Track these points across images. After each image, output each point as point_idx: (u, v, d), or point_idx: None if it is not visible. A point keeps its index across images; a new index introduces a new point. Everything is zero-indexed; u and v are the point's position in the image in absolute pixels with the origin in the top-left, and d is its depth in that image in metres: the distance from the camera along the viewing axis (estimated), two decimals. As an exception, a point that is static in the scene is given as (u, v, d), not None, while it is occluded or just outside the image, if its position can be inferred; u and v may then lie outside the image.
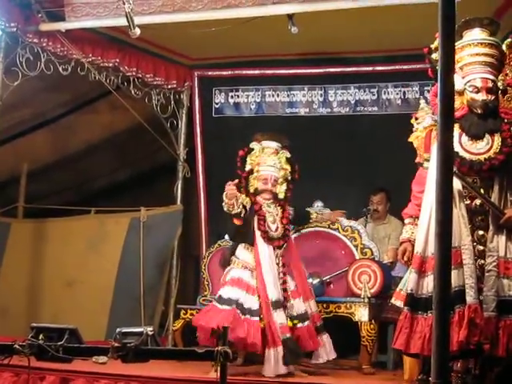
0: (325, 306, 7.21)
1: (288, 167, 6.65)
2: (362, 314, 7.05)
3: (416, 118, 5.82)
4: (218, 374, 3.82)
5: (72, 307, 8.48)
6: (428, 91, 8.40)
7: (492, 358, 5.29)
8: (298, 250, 6.84)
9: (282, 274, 6.49)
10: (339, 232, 7.67)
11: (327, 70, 8.95)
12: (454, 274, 5.25)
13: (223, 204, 6.35)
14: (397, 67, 8.69)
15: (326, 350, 6.51)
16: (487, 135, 5.47)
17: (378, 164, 8.39)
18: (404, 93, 8.73)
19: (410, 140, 5.87)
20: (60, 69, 7.71)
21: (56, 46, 7.55)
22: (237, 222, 6.50)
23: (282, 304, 6.34)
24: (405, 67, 8.62)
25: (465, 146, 5.51)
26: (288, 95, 9.11)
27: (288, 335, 6.21)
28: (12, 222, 9.27)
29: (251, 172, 6.61)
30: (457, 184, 5.32)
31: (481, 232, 5.45)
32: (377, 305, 7.05)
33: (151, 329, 4.13)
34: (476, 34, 5.49)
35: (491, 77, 5.43)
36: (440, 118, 3.93)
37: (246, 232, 6.53)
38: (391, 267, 7.60)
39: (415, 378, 5.58)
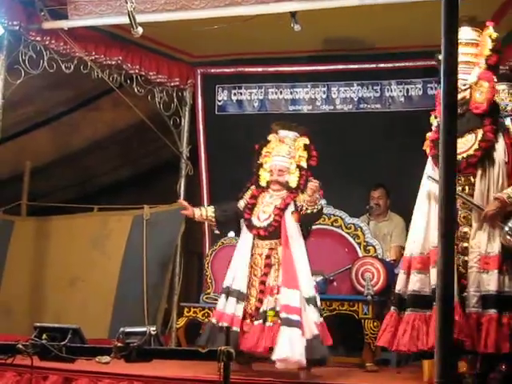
0: (328, 303, 7.22)
1: (304, 154, 6.56)
2: (365, 311, 7.06)
3: (435, 117, 5.79)
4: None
5: (75, 305, 8.49)
6: (431, 88, 8.43)
7: (494, 357, 5.32)
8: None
9: (261, 268, 6.40)
10: (342, 229, 7.68)
11: (330, 67, 8.93)
12: (432, 272, 5.45)
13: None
14: (400, 64, 8.67)
15: (280, 347, 6.05)
16: (468, 134, 5.53)
17: (381, 161, 8.38)
18: (407, 90, 8.71)
19: (424, 148, 5.87)
20: (63, 67, 7.70)
21: (59, 44, 7.54)
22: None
23: (238, 295, 6.24)
24: (408, 64, 8.61)
25: None
26: (291, 92, 9.10)
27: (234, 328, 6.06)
28: (15, 220, 9.27)
29: (261, 165, 6.62)
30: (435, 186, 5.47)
31: (465, 229, 5.53)
32: (380, 302, 7.05)
33: (154, 328, 4.14)
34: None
35: (464, 76, 5.48)
36: (443, 117, 3.93)
37: None
38: (394, 265, 7.60)
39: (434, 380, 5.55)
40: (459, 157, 5.56)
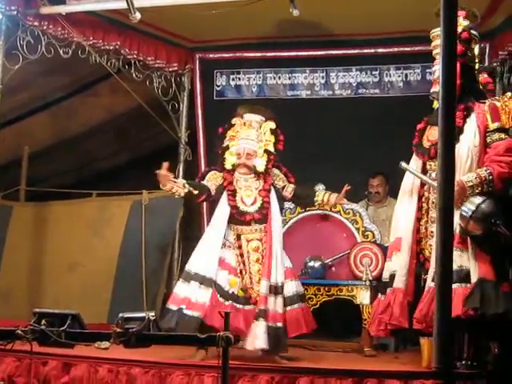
0: (326, 288, 7.25)
1: (271, 138, 6.59)
2: (363, 296, 7.10)
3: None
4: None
5: (74, 290, 8.50)
6: (430, 73, 8.40)
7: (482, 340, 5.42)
8: (295, 232, 6.77)
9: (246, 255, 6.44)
10: (341, 215, 7.69)
11: (329, 52, 8.90)
12: (393, 259, 5.90)
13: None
14: (399, 49, 8.65)
15: (253, 338, 6.18)
16: None
17: (380, 146, 8.37)
18: (406, 75, 8.70)
19: None
20: (61, 52, 7.67)
21: (57, 29, 7.50)
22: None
23: (202, 279, 6.22)
24: (407, 49, 8.57)
25: (428, 135, 5.91)
26: (289, 77, 9.08)
27: (193, 313, 6.13)
28: (14, 206, 9.28)
29: (227, 148, 6.61)
30: (412, 177, 5.87)
31: (433, 214, 5.62)
32: (377, 287, 7.07)
33: (153, 314, 4.15)
34: None
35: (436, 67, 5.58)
36: (441, 103, 3.94)
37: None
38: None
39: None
40: (429, 144, 5.72)
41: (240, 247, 6.44)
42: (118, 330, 4.03)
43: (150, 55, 8.52)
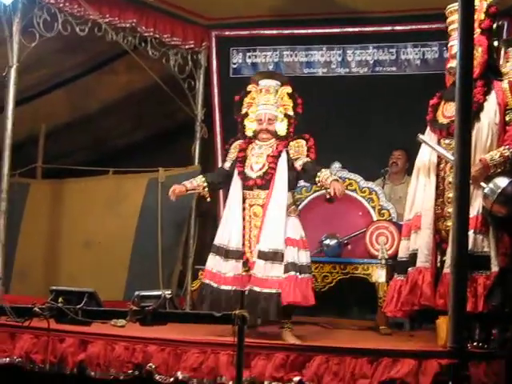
0: (342, 266, 7.26)
1: (290, 102, 6.55)
2: (379, 275, 7.10)
3: None
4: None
5: (90, 267, 8.54)
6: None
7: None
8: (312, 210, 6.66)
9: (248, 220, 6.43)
10: (357, 193, 7.69)
11: (346, 29, 8.86)
12: (413, 237, 5.79)
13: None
14: (416, 27, 8.60)
15: None
16: None
17: (396, 125, 8.34)
18: (423, 53, 8.65)
19: None
20: (77, 29, 7.66)
21: (73, 7, 7.49)
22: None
23: (236, 254, 6.33)
24: (424, 27, 8.51)
25: (443, 111, 5.84)
26: (306, 55, 9.04)
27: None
28: (31, 183, 9.32)
29: (246, 115, 6.60)
30: (429, 153, 5.80)
31: (450, 194, 5.57)
32: (394, 266, 7.06)
33: (169, 292, 4.18)
34: None
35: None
36: (459, 79, 3.92)
37: None
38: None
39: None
40: (448, 121, 5.66)
41: (244, 210, 6.44)
42: (134, 308, 4.06)
43: (167, 33, 8.50)
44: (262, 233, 6.26)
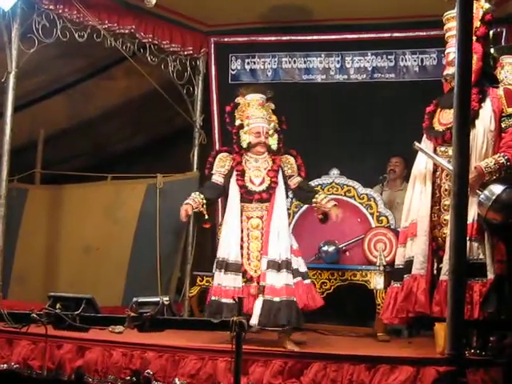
0: (340, 273, 7.26)
1: (275, 118, 6.60)
2: (377, 281, 7.09)
3: None
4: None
5: (89, 273, 8.53)
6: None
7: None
8: (310, 217, 6.70)
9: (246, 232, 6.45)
10: (355, 200, 7.69)
11: (344, 36, 8.87)
12: (408, 244, 5.83)
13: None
14: (414, 34, 8.60)
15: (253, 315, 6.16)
16: None
17: (395, 132, 8.35)
18: (422, 60, 8.66)
19: None
20: (76, 35, 7.67)
21: (72, 13, 7.51)
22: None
23: (235, 267, 6.31)
24: (422, 33, 8.52)
25: (440, 118, 5.87)
26: (305, 62, 9.05)
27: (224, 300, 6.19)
28: (29, 188, 9.30)
29: (241, 126, 6.59)
30: (425, 161, 5.82)
31: (446, 201, 5.58)
32: (392, 273, 7.06)
33: (167, 298, 4.18)
34: None
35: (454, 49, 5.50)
36: (457, 87, 3.92)
37: None
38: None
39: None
40: (444, 128, 5.68)
41: (241, 222, 6.46)
42: (132, 314, 4.06)
43: (165, 39, 8.51)
44: (270, 244, 6.28)
